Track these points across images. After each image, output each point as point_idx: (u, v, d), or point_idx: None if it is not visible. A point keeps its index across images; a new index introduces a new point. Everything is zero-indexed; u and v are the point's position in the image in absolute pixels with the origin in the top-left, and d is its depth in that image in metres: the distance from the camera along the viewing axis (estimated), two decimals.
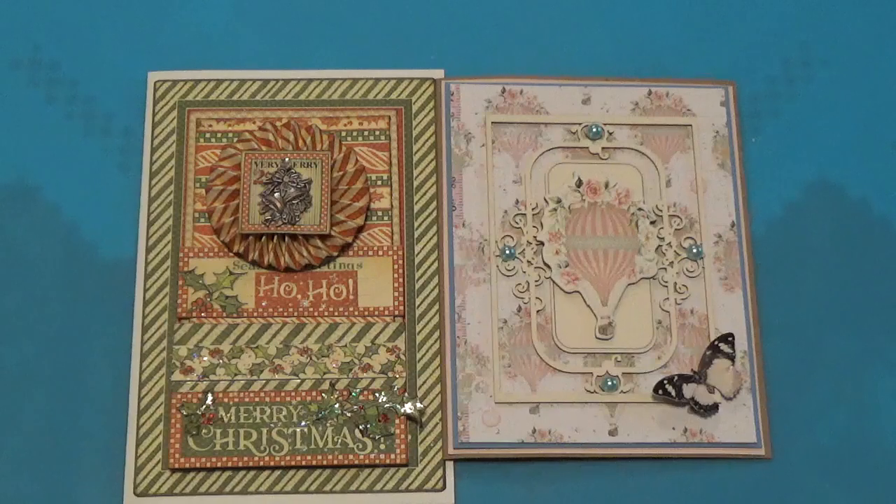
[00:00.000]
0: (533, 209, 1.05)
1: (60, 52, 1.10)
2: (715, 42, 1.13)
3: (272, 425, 1.00)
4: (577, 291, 1.03)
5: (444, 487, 0.99)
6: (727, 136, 1.08)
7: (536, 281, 1.04)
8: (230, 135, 1.07)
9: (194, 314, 1.02)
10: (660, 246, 1.05)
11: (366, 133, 1.08)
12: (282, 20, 1.12)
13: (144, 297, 1.03)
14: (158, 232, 1.04)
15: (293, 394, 1.00)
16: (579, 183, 1.06)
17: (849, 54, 1.13)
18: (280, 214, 1.02)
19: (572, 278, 1.04)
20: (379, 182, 1.07)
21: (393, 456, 0.99)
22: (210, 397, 1.00)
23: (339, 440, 0.99)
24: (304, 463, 0.99)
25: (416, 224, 1.05)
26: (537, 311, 1.03)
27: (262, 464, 0.99)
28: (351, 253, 1.04)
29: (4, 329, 1.02)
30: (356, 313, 1.03)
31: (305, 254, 1.03)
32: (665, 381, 1.00)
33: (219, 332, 1.02)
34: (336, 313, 1.03)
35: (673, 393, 1.00)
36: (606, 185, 1.06)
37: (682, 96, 1.09)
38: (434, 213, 1.06)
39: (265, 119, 1.07)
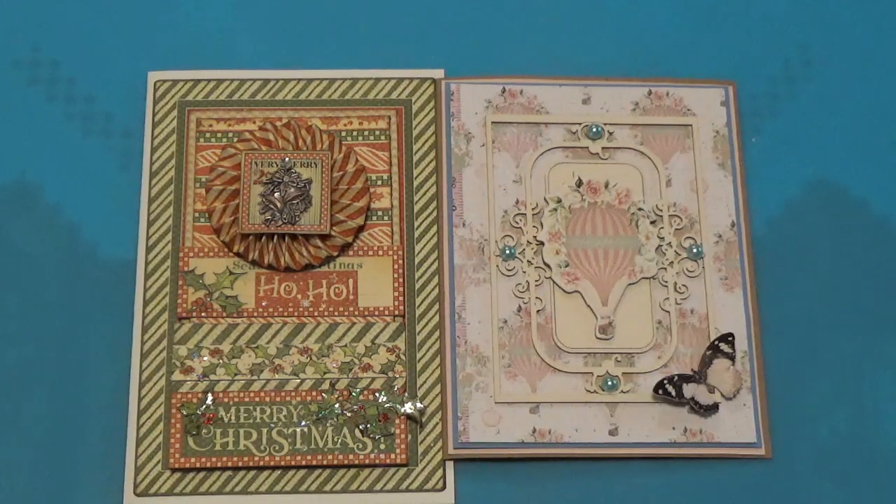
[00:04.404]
0: (533, 209, 1.05)
1: (60, 51, 1.10)
2: (715, 42, 1.13)
3: (272, 425, 1.00)
4: (577, 291, 1.03)
5: (444, 487, 0.99)
6: (727, 136, 1.08)
7: (536, 281, 1.04)
8: (230, 135, 1.07)
9: (194, 314, 1.02)
10: (660, 246, 1.05)
11: (366, 133, 1.08)
12: (282, 20, 1.12)
13: (144, 297, 1.03)
14: (158, 232, 1.04)
15: (293, 394, 1.00)
16: (579, 183, 1.06)
17: (849, 54, 1.13)
18: (280, 214, 1.02)
19: (572, 278, 1.04)
20: (379, 182, 1.07)
21: (393, 456, 0.99)
22: (210, 397, 1.00)
23: (339, 440, 0.99)
24: (304, 463, 0.99)
25: (416, 224, 1.05)
26: (537, 311, 1.03)
27: (262, 464, 0.99)
28: (351, 253, 1.04)
29: (4, 329, 1.02)
30: (356, 313, 1.03)
31: (305, 254, 1.03)
32: (665, 381, 1.00)
33: (219, 332, 1.02)
34: (336, 313, 1.03)
35: (673, 393, 1.00)
36: (606, 185, 1.06)
37: (682, 96, 1.09)
38: (434, 213, 1.06)
39: (265, 119, 1.07)
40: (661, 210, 1.06)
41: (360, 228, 1.05)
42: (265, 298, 1.03)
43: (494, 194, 1.06)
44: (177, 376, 1.01)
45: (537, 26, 1.12)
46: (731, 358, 1.01)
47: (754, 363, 1.03)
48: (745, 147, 1.09)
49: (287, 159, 1.04)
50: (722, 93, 1.09)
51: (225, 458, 0.99)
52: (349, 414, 1.00)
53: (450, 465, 1.00)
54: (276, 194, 1.03)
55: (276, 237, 1.03)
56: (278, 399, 1.00)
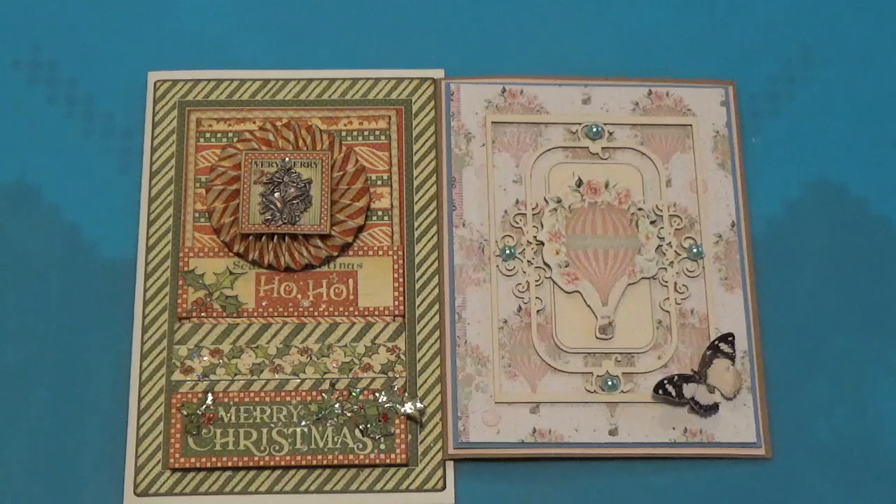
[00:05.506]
0: (533, 209, 1.05)
1: (60, 52, 1.10)
2: (715, 42, 1.13)
3: (272, 425, 1.00)
4: (577, 291, 1.03)
5: (444, 487, 0.99)
6: (727, 136, 1.08)
7: (536, 281, 1.04)
8: (230, 135, 1.07)
9: (194, 314, 1.02)
10: (660, 246, 1.05)
11: (366, 133, 1.08)
12: (282, 20, 1.12)
13: (144, 297, 1.03)
14: (158, 232, 1.04)
15: (293, 394, 1.00)
16: (579, 183, 1.06)
17: (849, 54, 1.13)
18: (280, 214, 1.02)
19: (572, 278, 1.04)
20: (379, 182, 1.07)
21: (393, 456, 0.99)
22: (210, 397, 1.00)
23: (339, 440, 0.99)
24: (304, 463, 0.99)
25: (416, 224, 1.05)
26: (537, 311, 1.03)
27: (262, 464, 0.99)
28: (351, 253, 1.04)
29: (4, 329, 1.02)
30: (356, 313, 1.03)
31: (305, 254, 1.03)
32: (665, 381, 1.00)
33: (219, 332, 1.02)
34: (336, 313, 1.03)
35: (673, 393, 1.00)
36: (606, 185, 1.06)
37: (682, 96, 1.09)
38: (434, 213, 1.06)
39: (265, 119, 1.07)
40: (661, 210, 1.06)
41: (360, 228, 1.05)
42: (265, 298, 1.03)
43: (494, 194, 1.06)
44: (177, 376, 1.01)
45: (537, 26, 1.12)
46: (731, 358, 1.01)
47: (754, 363, 1.03)
48: (745, 147, 1.09)
49: (287, 159, 1.04)
50: (722, 93, 1.09)
51: (225, 458, 0.99)
52: (349, 414, 1.00)
53: (450, 465, 1.00)
54: (276, 194, 1.03)
55: (276, 237, 1.03)
56: (278, 399, 1.00)
